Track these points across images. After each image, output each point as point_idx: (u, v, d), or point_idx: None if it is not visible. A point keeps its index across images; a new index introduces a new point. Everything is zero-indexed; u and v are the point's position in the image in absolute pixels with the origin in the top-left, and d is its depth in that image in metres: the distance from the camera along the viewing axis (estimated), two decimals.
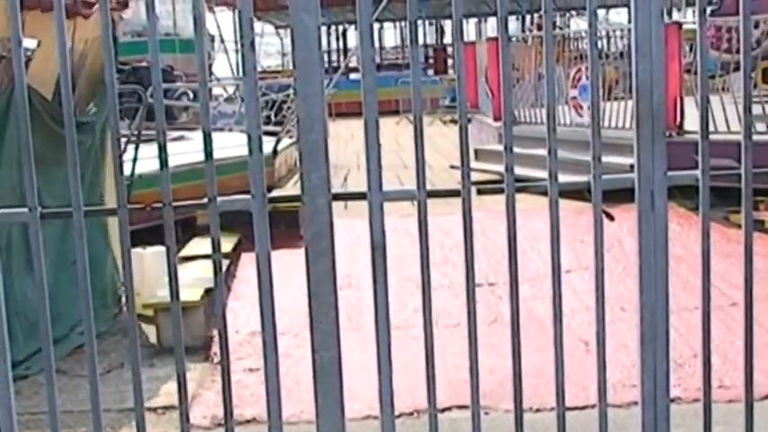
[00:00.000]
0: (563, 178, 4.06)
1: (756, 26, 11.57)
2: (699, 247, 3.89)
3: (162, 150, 3.79)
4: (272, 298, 3.85)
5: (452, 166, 11.56)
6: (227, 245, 8.65)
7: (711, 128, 6.90)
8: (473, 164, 11.53)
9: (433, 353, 3.88)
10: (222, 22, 31.74)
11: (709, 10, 14.57)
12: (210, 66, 26.55)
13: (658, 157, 3.79)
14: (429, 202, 3.73)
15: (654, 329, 3.89)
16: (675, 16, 33.50)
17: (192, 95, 18.58)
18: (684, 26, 11.98)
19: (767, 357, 4.78)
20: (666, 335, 3.91)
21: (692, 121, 9.50)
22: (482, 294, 6.63)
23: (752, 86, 10.28)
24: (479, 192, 4.03)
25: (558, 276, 3.89)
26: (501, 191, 3.86)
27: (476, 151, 12.54)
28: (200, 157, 3.85)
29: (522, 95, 13.45)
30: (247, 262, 7.70)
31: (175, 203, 3.86)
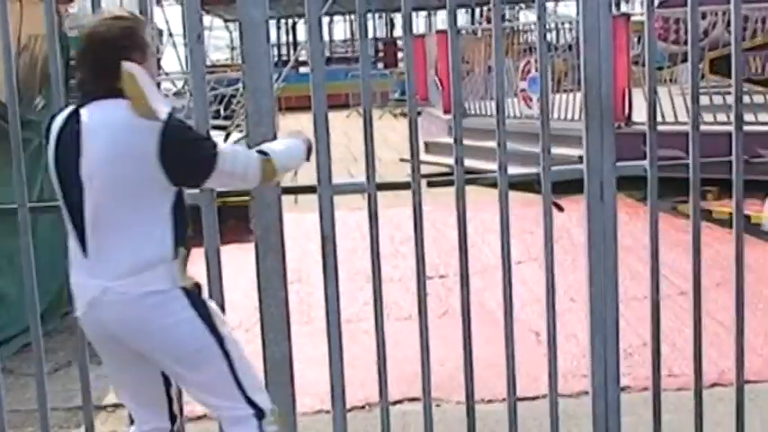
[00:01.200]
0: (513, 170, 4.07)
1: (704, 17, 11.68)
2: (647, 238, 3.92)
3: None
4: (221, 293, 3.82)
5: (402, 159, 11.55)
6: None
7: (659, 119, 6.96)
8: (424, 157, 11.53)
9: (385, 346, 3.88)
10: (170, 16, 31.49)
11: (656, 1, 14.72)
12: (159, 60, 26.32)
13: (607, 149, 3.81)
14: (379, 195, 3.72)
15: (603, 319, 3.92)
16: (624, 8, 33.77)
17: None
18: (633, 18, 12.07)
19: (715, 345, 4.84)
20: (616, 325, 3.93)
21: (640, 113, 9.56)
22: (433, 287, 6.62)
23: (699, 77, 10.40)
24: (429, 184, 4.03)
25: (509, 268, 3.90)
26: (451, 183, 3.86)
27: (426, 144, 12.54)
28: None
29: (472, 88, 13.48)
30: (197, 257, 7.62)
31: None
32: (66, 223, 3.16)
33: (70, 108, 3.15)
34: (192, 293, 3.14)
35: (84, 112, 3.06)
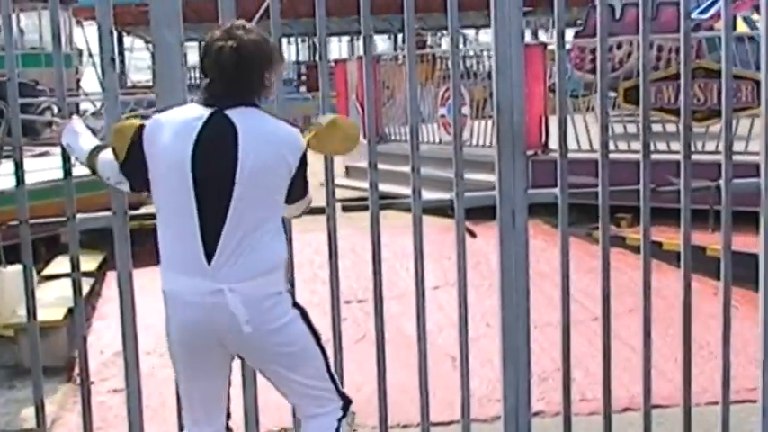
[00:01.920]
0: (432, 195, 4.11)
1: (619, 47, 11.91)
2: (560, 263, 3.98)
3: (18, 167, 3.70)
4: (133, 318, 3.78)
5: (323, 184, 11.56)
6: (92, 263, 8.46)
7: (575, 146, 7.06)
8: (345, 181, 11.55)
9: None
10: (91, 36, 31.16)
11: (573, 31, 14.98)
12: (78, 80, 25.96)
13: (519, 176, 3.87)
14: (298, 219, 3.72)
15: (515, 345, 3.96)
16: (542, 37, 34.27)
17: (56, 110, 18.18)
18: (550, 47, 12.26)
19: (627, 370, 4.90)
20: (527, 350, 3.98)
21: (556, 140, 9.71)
22: (351, 311, 6.63)
23: (613, 106, 10.59)
24: (344, 209, 4.05)
25: (423, 293, 3.93)
26: (366, 208, 3.88)
27: (347, 168, 12.57)
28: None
29: (392, 113, 13.55)
30: (113, 280, 7.52)
31: (32, 221, 3.76)
32: (173, 226, 3.18)
33: (204, 110, 3.16)
34: (292, 296, 3.35)
35: (234, 114, 3.14)
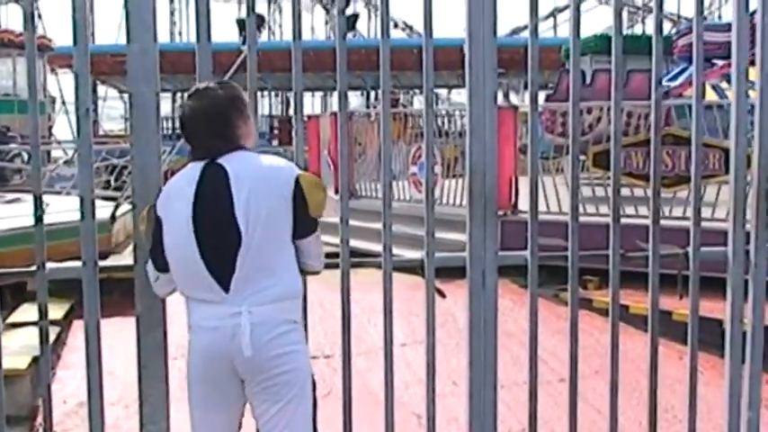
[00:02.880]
0: (402, 252, 4.13)
1: (589, 112, 12.06)
2: (528, 324, 4.00)
3: None
4: (99, 368, 3.76)
5: None
6: (58, 311, 8.39)
7: (544, 208, 7.12)
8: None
9: None
10: (65, 83, 31.19)
11: (544, 94, 15.16)
12: (51, 127, 25.93)
13: (490, 237, 3.90)
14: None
15: (482, 404, 3.97)
16: (514, 99, 34.62)
17: (26, 157, 18.15)
18: (521, 109, 12.40)
19: None
20: (494, 409, 3.98)
21: (526, 201, 9.78)
22: (318, 367, 6.59)
23: (583, 169, 10.69)
24: None
25: (391, 350, 3.94)
26: (337, 265, 3.89)
27: None
28: (33, 220, 3.76)
29: (364, 170, 13.61)
30: (79, 329, 7.46)
31: (1, 270, 3.74)
32: (185, 273, 3.32)
33: (195, 165, 3.35)
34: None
35: (225, 163, 3.31)
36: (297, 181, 3.29)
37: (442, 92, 39.54)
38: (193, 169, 3.35)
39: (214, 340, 3.28)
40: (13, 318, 8.29)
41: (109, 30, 52.77)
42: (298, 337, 3.37)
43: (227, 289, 3.25)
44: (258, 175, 3.29)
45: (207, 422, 3.43)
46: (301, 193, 3.30)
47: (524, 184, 10.64)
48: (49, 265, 3.76)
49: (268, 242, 3.26)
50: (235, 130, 3.36)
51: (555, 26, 41.72)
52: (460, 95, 41.21)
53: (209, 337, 3.29)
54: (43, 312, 3.77)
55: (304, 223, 3.34)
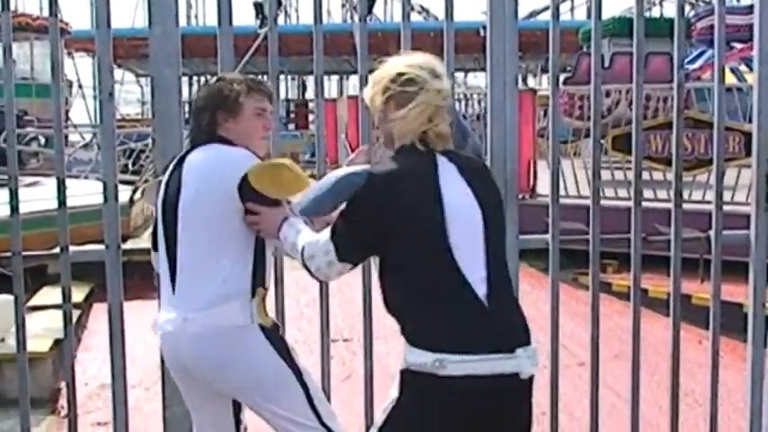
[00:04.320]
0: None
1: (608, 95, 12.02)
2: (548, 308, 4.00)
3: (13, 197, 3.70)
4: (123, 351, 3.79)
5: None
6: (78, 294, 8.44)
7: (562, 192, 7.11)
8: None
9: None
10: (81, 67, 31.25)
11: (562, 78, 15.11)
12: (67, 111, 26.00)
13: (510, 222, 3.88)
14: (286, 257, 3.73)
15: None
16: (531, 83, 34.53)
17: (43, 141, 18.21)
18: (539, 92, 12.36)
19: (612, 416, 4.92)
20: None
21: (545, 184, 9.78)
22: (337, 350, 6.62)
23: (602, 153, 10.67)
24: None
25: None
26: None
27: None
28: (54, 204, 3.77)
29: (382, 153, 13.60)
30: (99, 312, 7.51)
31: (25, 253, 3.76)
32: (161, 264, 3.28)
33: (181, 153, 3.36)
34: (270, 331, 3.26)
35: (190, 154, 3.28)
36: (244, 177, 3.13)
37: (459, 75, 39.44)
38: (178, 156, 3.36)
39: (165, 346, 3.26)
40: (34, 301, 8.34)
41: (125, 13, 52.78)
42: (247, 344, 3.19)
43: (174, 286, 3.20)
44: (208, 167, 3.20)
45: (198, 419, 3.41)
46: (248, 186, 3.13)
47: (542, 167, 10.64)
48: (72, 248, 3.78)
49: (206, 235, 3.15)
50: (215, 122, 3.28)
51: (572, 8, 41.55)
52: (477, 79, 41.16)
53: (163, 342, 3.26)
54: (66, 295, 3.80)
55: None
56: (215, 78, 3.42)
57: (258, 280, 3.23)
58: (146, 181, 13.25)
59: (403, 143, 2.88)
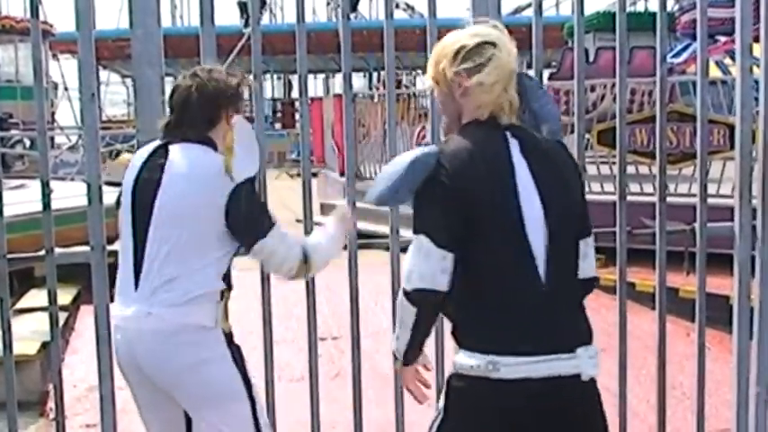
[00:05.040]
0: (409, 234, 4.12)
1: (593, 90, 12.04)
2: None
3: None
4: (110, 352, 3.77)
5: (299, 220, 11.57)
6: (66, 296, 8.42)
7: None
8: (319, 218, 11.56)
9: (274, 407, 3.87)
10: (66, 69, 31.17)
11: (547, 73, 15.13)
12: (53, 113, 25.93)
13: None
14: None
15: None
16: None
17: (28, 143, 18.17)
18: None
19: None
20: None
21: None
22: (326, 348, 6.62)
23: (587, 147, 10.69)
24: None
25: None
26: (344, 247, 3.89)
27: (322, 205, 12.60)
28: (39, 206, 3.76)
29: (368, 152, 13.60)
30: (87, 314, 7.48)
31: (10, 256, 3.75)
32: (121, 257, 3.25)
33: (156, 143, 3.29)
34: (230, 337, 3.24)
35: (173, 149, 3.19)
36: (233, 191, 3.12)
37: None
38: (150, 146, 3.31)
39: (121, 341, 3.22)
40: (21, 304, 8.32)
41: (110, 14, 52.66)
42: (207, 346, 3.17)
43: (137, 282, 3.16)
44: (189, 171, 3.15)
45: (146, 417, 3.38)
46: (238, 205, 3.13)
47: None
48: (58, 250, 3.77)
49: (180, 238, 3.11)
50: (208, 119, 3.23)
51: (557, 4, 41.60)
52: None
53: (117, 337, 3.24)
54: (53, 298, 3.79)
55: (242, 231, 3.18)
56: (199, 69, 3.32)
57: (226, 283, 3.23)
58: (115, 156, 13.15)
59: (470, 119, 2.70)
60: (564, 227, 2.67)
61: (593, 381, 2.65)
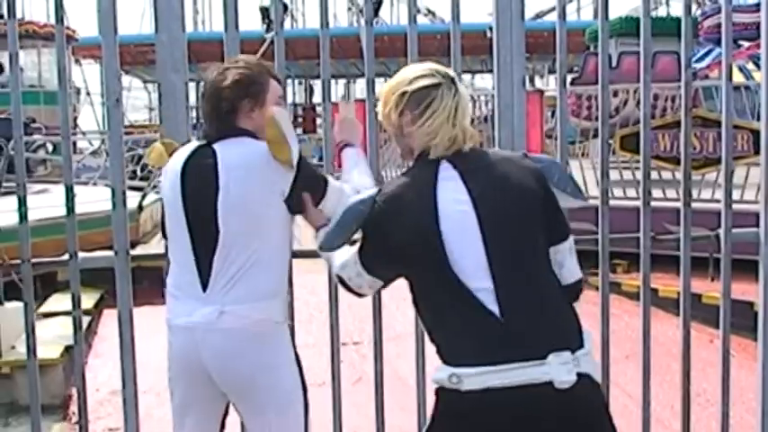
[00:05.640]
0: None
1: (615, 95, 12.00)
2: None
3: (22, 204, 3.71)
4: (133, 356, 3.79)
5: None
6: (89, 301, 8.46)
7: None
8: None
9: None
10: (89, 74, 31.35)
11: (570, 78, 15.11)
12: (75, 118, 26.06)
13: None
14: (295, 260, 3.73)
15: None
16: (538, 83, 34.49)
17: (51, 148, 18.26)
18: (547, 93, 12.32)
19: (624, 417, 4.88)
20: None
21: None
22: (347, 353, 6.62)
23: (610, 153, 10.67)
24: None
25: (422, 335, 3.93)
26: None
27: None
28: (62, 211, 3.78)
29: (389, 156, 13.59)
30: (109, 319, 7.52)
31: (34, 260, 3.77)
32: (176, 258, 3.22)
33: (194, 144, 3.24)
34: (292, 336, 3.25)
35: (217, 146, 3.15)
36: (296, 176, 3.10)
37: (466, 77, 39.41)
38: (189, 147, 3.25)
39: (187, 341, 3.16)
40: (45, 308, 8.36)
41: (132, 20, 52.93)
42: (279, 343, 3.18)
43: (205, 283, 3.12)
44: (248, 163, 3.10)
45: (184, 417, 3.34)
46: (297, 171, 3.10)
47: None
48: (81, 254, 3.78)
49: (248, 233, 3.08)
50: (239, 111, 3.18)
51: (579, 9, 41.51)
52: (484, 81, 41.12)
53: (183, 337, 3.17)
54: (76, 302, 3.80)
55: (299, 195, 3.15)
56: (226, 63, 3.28)
57: (289, 280, 3.25)
58: (154, 187, 13.24)
59: (419, 152, 2.81)
60: (516, 240, 2.68)
61: (584, 386, 2.60)
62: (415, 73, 2.85)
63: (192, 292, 3.14)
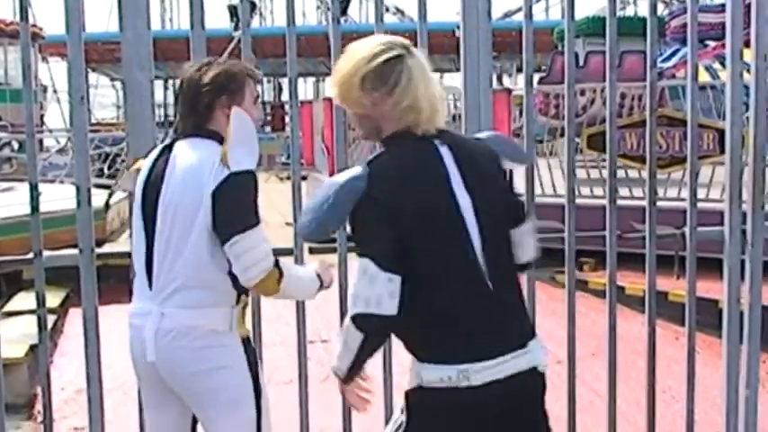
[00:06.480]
0: None
1: (583, 94, 12.06)
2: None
3: None
4: (98, 355, 3.76)
5: (288, 223, 11.54)
6: (54, 299, 8.40)
7: (538, 191, 7.12)
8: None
9: None
10: (56, 72, 31.13)
11: (537, 77, 15.16)
12: (42, 116, 25.85)
13: None
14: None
15: None
16: (506, 82, 34.59)
17: (16, 146, 18.12)
18: (514, 92, 12.38)
19: (590, 414, 4.93)
20: None
21: (521, 184, 9.78)
22: (315, 351, 6.59)
23: (577, 151, 10.71)
24: (311, 251, 4.04)
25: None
26: (334, 250, 3.89)
27: None
28: (27, 209, 3.75)
29: (358, 155, 13.58)
30: (75, 317, 7.46)
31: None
32: (134, 257, 3.22)
33: (166, 142, 3.24)
34: (246, 341, 3.20)
35: (177, 145, 3.17)
36: (225, 180, 2.98)
37: (435, 76, 39.44)
38: (161, 145, 3.27)
39: (134, 338, 3.16)
40: (9, 306, 8.29)
41: (99, 17, 52.62)
42: (221, 351, 3.11)
43: (151, 282, 3.11)
44: (190, 167, 3.05)
45: (152, 417, 3.34)
46: (224, 193, 2.98)
47: (518, 167, 10.68)
48: (46, 252, 3.75)
49: (188, 239, 3.02)
50: (206, 112, 3.13)
51: (547, 8, 41.69)
52: (453, 80, 41.20)
53: (132, 334, 3.18)
54: (41, 300, 3.77)
55: (221, 222, 3.01)
56: (205, 61, 3.24)
57: (241, 287, 3.11)
58: (120, 185, 13.15)
59: (391, 131, 2.66)
60: (497, 224, 2.67)
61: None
62: (371, 49, 2.68)
63: (143, 290, 3.17)
